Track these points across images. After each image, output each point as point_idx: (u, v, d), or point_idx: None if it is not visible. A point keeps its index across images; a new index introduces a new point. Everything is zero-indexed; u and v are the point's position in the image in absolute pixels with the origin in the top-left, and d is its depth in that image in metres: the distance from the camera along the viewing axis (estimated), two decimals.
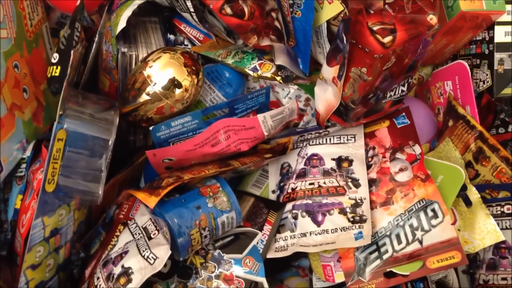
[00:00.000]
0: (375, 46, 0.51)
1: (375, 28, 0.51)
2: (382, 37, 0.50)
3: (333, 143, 0.61)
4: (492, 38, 0.64)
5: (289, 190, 0.60)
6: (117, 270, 0.49)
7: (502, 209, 0.59)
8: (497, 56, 0.63)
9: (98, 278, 0.50)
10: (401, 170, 0.59)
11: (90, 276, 0.54)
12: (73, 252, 0.56)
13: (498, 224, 0.57)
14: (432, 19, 0.53)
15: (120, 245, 0.52)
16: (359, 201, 0.57)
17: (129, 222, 0.55)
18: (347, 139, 0.61)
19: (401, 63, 0.54)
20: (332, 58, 0.55)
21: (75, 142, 0.49)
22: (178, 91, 0.55)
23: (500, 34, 0.63)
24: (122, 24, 0.56)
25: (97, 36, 0.59)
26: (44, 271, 0.51)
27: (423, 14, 0.53)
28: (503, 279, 0.60)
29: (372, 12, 0.53)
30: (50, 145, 0.48)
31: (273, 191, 0.62)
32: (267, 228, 0.58)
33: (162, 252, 0.48)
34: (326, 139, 0.62)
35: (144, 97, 0.56)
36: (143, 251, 0.49)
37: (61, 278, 0.55)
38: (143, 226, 0.53)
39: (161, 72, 0.55)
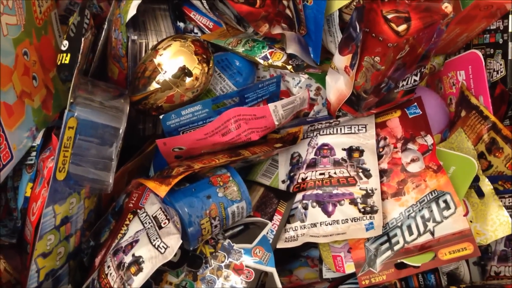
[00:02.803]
0: (389, 35, 0.50)
1: (389, 16, 0.50)
2: (397, 25, 0.50)
3: (344, 133, 0.61)
4: (506, 27, 0.63)
5: (299, 180, 0.60)
6: (127, 259, 0.49)
7: None
8: None
9: (108, 266, 0.50)
10: (412, 160, 0.58)
11: (100, 264, 0.54)
12: (83, 240, 0.56)
13: (511, 215, 0.56)
14: (447, 7, 0.52)
15: (130, 234, 0.52)
16: (370, 191, 0.57)
17: (138, 211, 0.55)
18: (358, 129, 0.61)
19: (414, 52, 0.54)
20: (345, 46, 0.54)
21: (85, 130, 0.49)
22: (188, 80, 0.55)
23: None
24: (132, 11, 0.56)
25: (106, 23, 0.59)
26: (55, 259, 0.51)
27: (438, 2, 0.52)
28: None
29: (386, 0, 0.53)
30: (61, 133, 0.47)
31: (283, 181, 0.61)
32: (277, 218, 0.58)
33: (173, 242, 0.48)
34: (337, 129, 0.61)
35: (154, 86, 0.55)
36: (154, 240, 0.49)
37: (71, 266, 0.55)
38: (153, 215, 0.52)
39: (172, 60, 0.55)
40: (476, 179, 0.57)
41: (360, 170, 0.58)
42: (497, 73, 0.64)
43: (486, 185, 0.57)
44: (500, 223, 0.56)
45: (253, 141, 0.56)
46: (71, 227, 0.52)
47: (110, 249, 0.53)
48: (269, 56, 0.59)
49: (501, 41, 0.63)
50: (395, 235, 0.56)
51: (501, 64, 0.63)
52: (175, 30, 0.64)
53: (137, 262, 0.48)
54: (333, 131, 0.61)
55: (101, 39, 0.58)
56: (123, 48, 0.58)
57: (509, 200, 0.59)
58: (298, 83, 0.64)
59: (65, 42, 0.54)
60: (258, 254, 0.55)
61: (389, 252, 0.55)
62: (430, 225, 0.55)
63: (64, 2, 0.70)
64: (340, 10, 0.57)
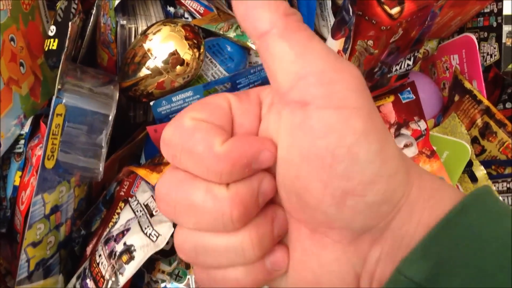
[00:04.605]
0: (383, 18, 0.49)
1: None
2: (390, 8, 0.49)
3: None
4: (500, 10, 0.62)
5: None
6: (119, 247, 0.48)
7: (508, 185, 0.59)
8: (506, 29, 0.61)
9: (100, 255, 0.50)
10: (406, 146, 0.58)
11: (91, 253, 0.53)
12: (74, 229, 0.56)
13: (504, 200, 0.56)
14: None
15: (122, 222, 0.51)
16: None
17: (130, 199, 0.54)
18: None
19: (407, 36, 0.53)
20: (337, 30, 0.53)
21: (74, 117, 0.48)
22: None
23: (508, 7, 0.62)
24: None
25: (94, 8, 0.58)
26: (45, 249, 0.50)
27: None
28: None
29: None
30: (49, 120, 0.46)
31: None
32: None
33: (165, 229, 0.47)
34: None
35: (144, 72, 0.54)
36: (145, 228, 0.49)
37: (62, 255, 0.54)
38: (145, 203, 0.52)
39: (162, 45, 0.54)
40: (470, 164, 0.57)
41: None
42: (491, 57, 0.63)
43: (480, 170, 0.57)
44: None
45: None
46: (61, 216, 0.51)
47: (102, 238, 0.52)
48: None
49: (495, 24, 0.63)
50: None
51: (495, 48, 0.63)
52: (165, 14, 0.62)
53: (129, 250, 0.47)
54: None
55: (90, 24, 0.57)
56: (112, 33, 0.57)
57: (502, 184, 0.59)
58: None
59: (53, 28, 0.53)
60: None
61: None
62: None
63: None
64: None
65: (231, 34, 0.60)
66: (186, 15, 0.64)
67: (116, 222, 0.52)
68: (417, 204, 0.25)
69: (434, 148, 0.56)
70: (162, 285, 0.52)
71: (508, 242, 0.24)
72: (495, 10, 0.63)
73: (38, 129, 0.55)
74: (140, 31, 0.59)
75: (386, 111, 0.60)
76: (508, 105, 0.65)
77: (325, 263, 0.27)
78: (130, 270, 0.47)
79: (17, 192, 0.53)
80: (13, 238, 0.55)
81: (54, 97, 0.47)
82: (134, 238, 0.48)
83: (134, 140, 0.60)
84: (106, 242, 0.50)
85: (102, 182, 0.55)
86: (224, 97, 0.28)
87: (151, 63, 0.54)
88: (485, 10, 0.65)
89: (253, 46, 0.58)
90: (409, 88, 0.60)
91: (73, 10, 0.55)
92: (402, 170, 0.25)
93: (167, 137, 0.26)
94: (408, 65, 0.58)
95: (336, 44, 0.54)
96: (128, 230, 0.50)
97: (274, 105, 0.27)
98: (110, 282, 0.47)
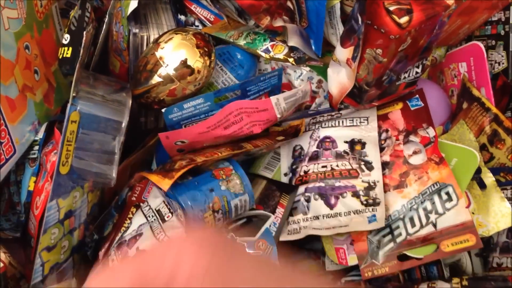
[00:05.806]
0: (391, 27, 0.50)
1: (391, 8, 0.50)
2: (399, 17, 0.50)
3: (346, 126, 0.61)
4: (508, 18, 0.63)
5: (302, 173, 0.60)
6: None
7: None
8: None
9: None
10: (414, 153, 0.58)
11: (104, 257, 0.54)
12: (87, 234, 0.56)
13: None
14: None
15: (134, 227, 0.52)
16: (372, 184, 0.57)
17: (142, 204, 0.55)
18: (360, 122, 0.61)
19: (416, 45, 0.54)
20: (346, 39, 0.54)
21: (88, 124, 0.49)
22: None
23: None
24: (133, 4, 0.56)
25: (107, 16, 0.59)
26: (59, 253, 0.51)
27: None
28: None
29: None
30: (64, 127, 0.47)
31: (285, 174, 0.61)
32: (280, 211, 0.58)
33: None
34: (339, 122, 0.61)
35: (156, 79, 0.55)
36: (158, 233, 0.49)
37: (76, 259, 0.55)
38: (157, 209, 0.53)
39: (173, 53, 0.55)
40: (478, 171, 0.57)
41: (362, 163, 0.58)
42: (499, 64, 0.64)
43: (488, 177, 0.57)
44: (502, 215, 0.56)
45: (255, 134, 0.57)
46: (75, 221, 0.52)
47: (114, 242, 0.53)
48: (270, 49, 0.59)
49: (502, 32, 0.63)
50: (398, 227, 0.56)
51: (502, 56, 0.63)
52: (176, 23, 0.63)
53: None
54: (335, 124, 0.61)
55: (102, 32, 0.58)
56: (125, 41, 0.58)
57: (511, 191, 0.59)
58: (299, 76, 0.64)
59: (67, 36, 0.54)
60: (262, 247, 0.55)
61: (391, 244, 0.56)
62: (433, 217, 0.55)
63: None
64: (341, 2, 0.57)
65: (241, 42, 0.60)
66: (197, 23, 0.65)
67: (128, 227, 0.53)
68: None
69: (443, 155, 0.57)
70: None
71: None
72: (503, 19, 0.63)
73: (52, 135, 0.56)
74: (152, 39, 0.60)
75: (395, 118, 0.61)
76: None
77: None
78: None
79: (32, 197, 0.54)
80: (27, 242, 0.56)
81: (68, 105, 0.48)
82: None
83: (145, 146, 0.61)
84: (119, 246, 0.51)
85: (114, 187, 0.56)
86: None
87: (163, 71, 0.55)
88: (493, 19, 0.65)
89: (262, 54, 0.59)
90: (417, 96, 0.61)
91: (86, 19, 0.56)
92: None
93: None
94: (416, 72, 0.58)
95: (345, 53, 0.54)
96: (140, 235, 0.50)
97: None
98: None
